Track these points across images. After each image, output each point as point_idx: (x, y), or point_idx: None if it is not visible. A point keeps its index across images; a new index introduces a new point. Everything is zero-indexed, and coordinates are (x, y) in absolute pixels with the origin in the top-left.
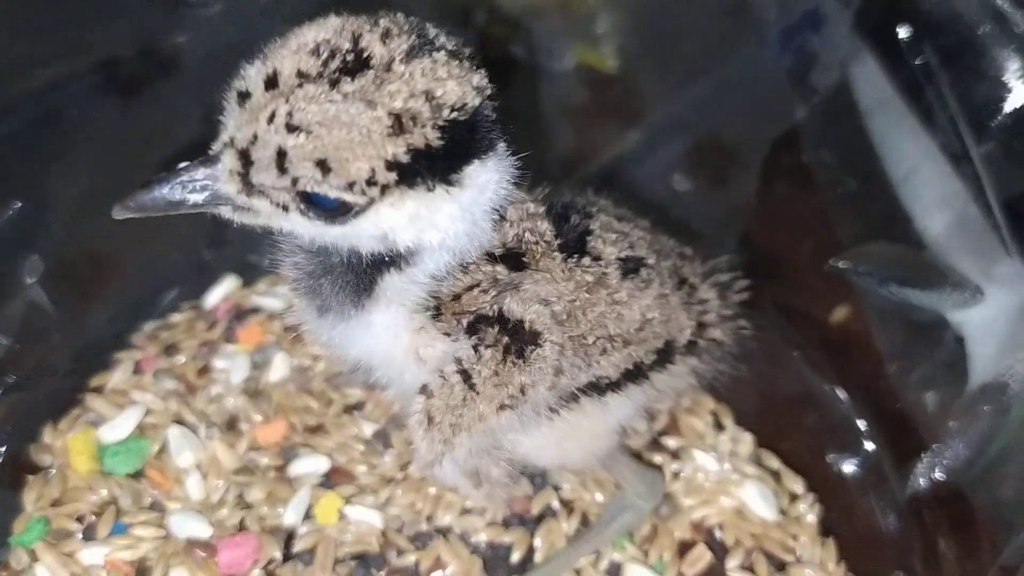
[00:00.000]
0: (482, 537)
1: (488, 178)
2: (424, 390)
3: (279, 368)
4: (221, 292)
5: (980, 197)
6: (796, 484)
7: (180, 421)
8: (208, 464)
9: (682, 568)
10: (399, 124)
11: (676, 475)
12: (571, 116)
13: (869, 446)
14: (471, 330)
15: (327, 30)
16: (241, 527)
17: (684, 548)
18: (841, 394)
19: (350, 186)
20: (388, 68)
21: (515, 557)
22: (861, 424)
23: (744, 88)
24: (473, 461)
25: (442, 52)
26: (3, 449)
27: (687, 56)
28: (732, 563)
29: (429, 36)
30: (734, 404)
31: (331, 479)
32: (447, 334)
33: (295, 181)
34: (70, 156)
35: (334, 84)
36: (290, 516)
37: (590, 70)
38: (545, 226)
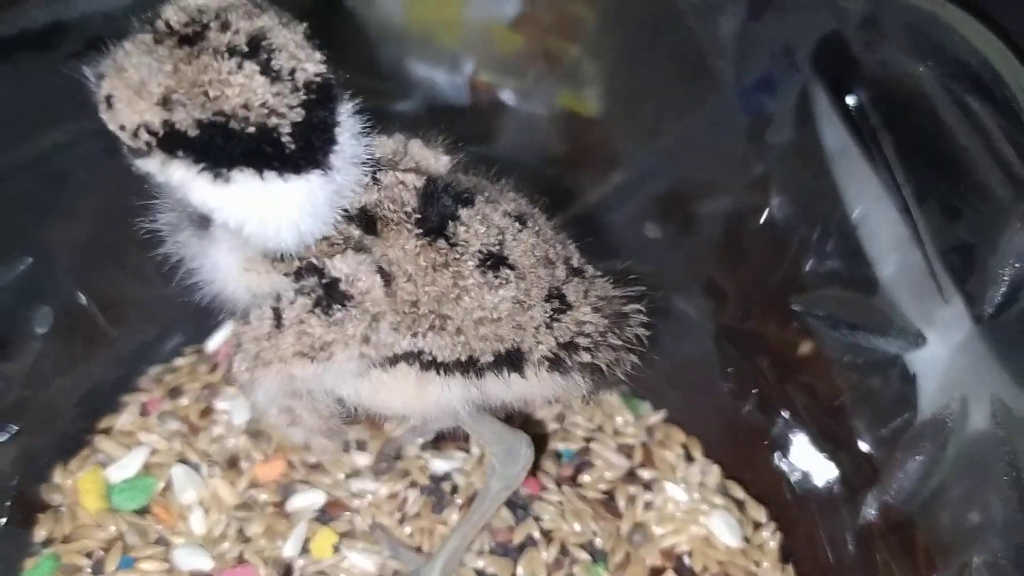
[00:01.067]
0: (470, 565)
1: (284, 189)
2: (244, 315)
3: None
4: (222, 337)
5: (921, 246)
6: (759, 513)
7: (184, 460)
8: (210, 500)
9: None
10: (165, 100)
11: (648, 505)
12: (552, 162)
13: (827, 477)
14: (298, 275)
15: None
16: (241, 560)
17: (655, 574)
18: (802, 428)
19: (121, 128)
20: (202, 53)
21: None
22: (820, 457)
23: (709, 141)
24: (284, 401)
25: (258, 69)
26: (15, 488)
27: (659, 108)
28: None
29: (273, 48)
30: (703, 437)
31: (327, 513)
32: (285, 274)
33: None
34: (76, 213)
35: (159, 42)
36: (288, 549)
37: (572, 115)
38: (410, 200)
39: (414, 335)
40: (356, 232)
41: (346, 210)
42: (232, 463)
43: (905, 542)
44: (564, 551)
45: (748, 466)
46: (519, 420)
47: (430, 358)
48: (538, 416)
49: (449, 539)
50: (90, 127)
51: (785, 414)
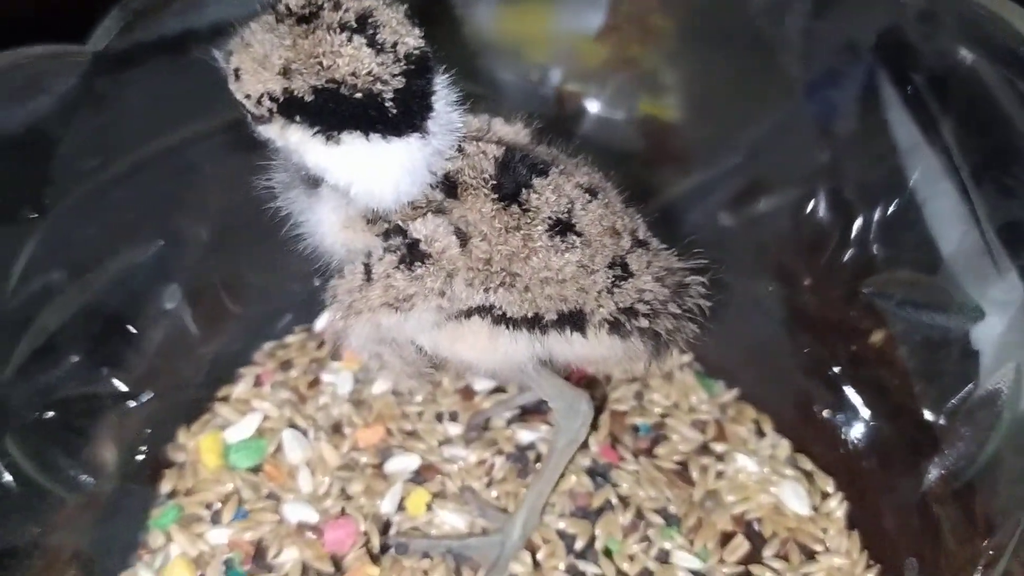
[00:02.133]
0: (552, 527)
1: (387, 150)
2: (341, 271)
3: (381, 383)
4: (328, 317)
5: (978, 225)
6: (827, 484)
7: (293, 425)
8: (316, 462)
9: (723, 555)
10: (285, 70)
11: (720, 475)
12: (633, 163)
13: (891, 449)
14: (386, 236)
15: None
16: (343, 514)
17: (725, 538)
18: (868, 403)
19: (247, 96)
20: (317, 29)
21: (579, 544)
22: (885, 430)
23: (779, 135)
24: (373, 347)
25: (365, 42)
26: (145, 448)
27: (733, 108)
28: (768, 552)
29: (378, 24)
30: (773, 413)
31: (421, 475)
32: (376, 235)
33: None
34: (203, 202)
35: (280, 21)
36: (386, 506)
37: (652, 120)
38: (489, 168)
39: (486, 290)
40: (439, 196)
41: (434, 174)
42: (336, 429)
43: (965, 508)
44: (640, 515)
45: (817, 440)
46: (599, 398)
47: (500, 313)
48: (617, 394)
49: (527, 496)
50: (216, 125)
51: (852, 391)
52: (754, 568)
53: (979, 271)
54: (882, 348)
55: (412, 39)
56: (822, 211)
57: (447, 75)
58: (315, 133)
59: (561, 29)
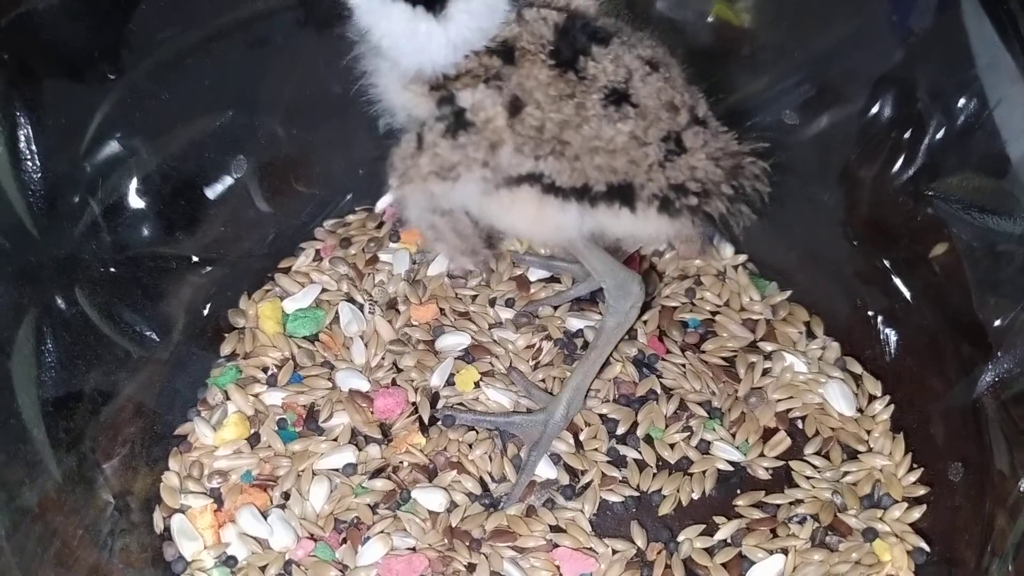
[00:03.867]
0: (595, 411)
1: (399, 11)
2: (399, 140)
3: (437, 266)
4: (389, 199)
5: None
6: (875, 387)
7: (350, 300)
8: (370, 335)
9: (764, 450)
10: None
11: (767, 372)
12: (704, 63)
13: (945, 357)
14: (440, 103)
15: None
16: (393, 384)
17: (768, 434)
18: (929, 314)
19: None
20: None
21: (620, 430)
22: (941, 337)
23: (852, 33)
24: (428, 217)
25: None
26: (208, 311)
27: (807, 8)
28: (809, 449)
29: None
30: (826, 316)
31: (471, 354)
32: (437, 103)
33: None
34: (273, 76)
35: None
36: (435, 380)
37: (725, 25)
38: (547, 34)
39: (536, 158)
40: (497, 63)
41: (488, 46)
42: (391, 305)
43: (1008, 417)
44: (683, 406)
45: (867, 344)
46: (650, 293)
47: (549, 182)
48: (669, 291)
49: (573, 375)
50: (289, 0)
51: (908, 296)
52: (794, 464)
53: None
54: (942, 257)
55: None
56: (890, 115)
57: None
58: None
59: None
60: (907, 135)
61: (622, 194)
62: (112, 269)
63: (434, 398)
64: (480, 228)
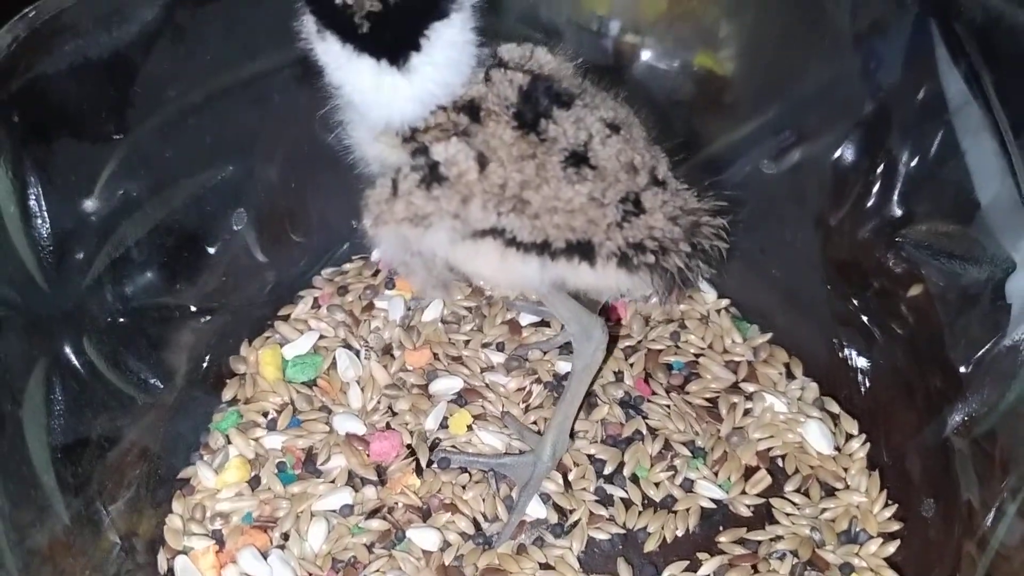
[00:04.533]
0: (583, 452)
1: (366, 67)
2: (373, 183)
3: (432, 312)
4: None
5: (1014, 176)
6: (852, 426)
7: (347, 345)
8: (366, 379)
9: (746, 488)
10: None
11: (748, 412)
12: (684, 110)
13: (918, 396)
14: (414, 154)
15: None
16: (388, 428)
17: (749, 472)
18: (903, 355)
19: None
20: None
21: (608, 469)
22: (913, 377)
23: (827, 85)
24: (400, 255)
25: None
26: (210, 358)
27: (785, 60)
28: (789, 487)
29: None
30: (805, 358)
31: (463, 397)
32: (408, 153)
33: None
34: (271, 131)
35: None
36: (429, 424)
37: (709, 74)
38: (512, 96)
39: (499, 214)
40: (465, 120)
41: (456, 102)
42: (386, 350)
43: (984, 454)
44: (667, 446)
45: (844, 384)
46: (638, 336)
47: (511, 236)
48: (654, 334)
49: (553, 418)
50: (287, 59)
51: (882, 338)
52: (774, 501)
53: (1013, 224)
54: (918, 299)
55: None
56: (862, 161)
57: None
58: (314, 21)
59: None
60: (877, 183)
61: (581, 250)
62: (118, 319)
63: (433, 444)
64: (449, 268)
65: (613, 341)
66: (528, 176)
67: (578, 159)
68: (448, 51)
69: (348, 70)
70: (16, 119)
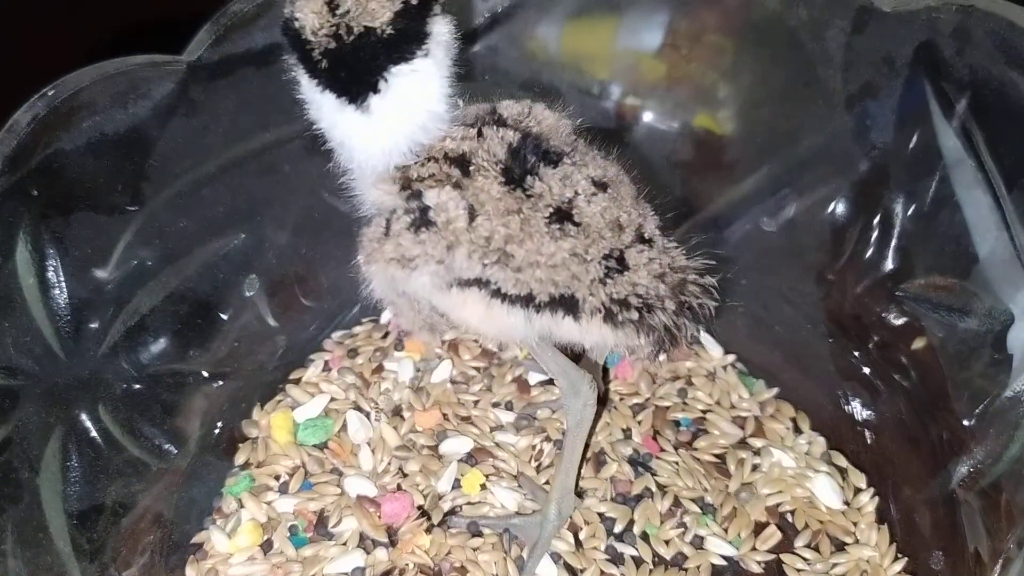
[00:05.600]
0: (594, 510)
1: (330, 104)
2: (368, 221)
3: (441, 373)
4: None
5: (1008, 230)
6: (859, 480)
7: (357, 408)
8: (377, 441)
9: (756, 544)
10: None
11: (756, 468)
12: (684, 171)
13: (923, 448)
14: (408, 199)
15: None
16: (399, 490)
17: (759, 528)
18: (908, 408)
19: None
20: None
21: (618, 528)
22: (918, 429)
23: (823, 145)
24: (390, 294)
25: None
26: (222, 423)
27: (782, 120)
28: (800, 542)
29: None
30: (811, 412)
31: (474, 457)
32: (403, 199)
33: None
34: (281, 199)
35: None
36: (442, 486)
37: (709, 134)
38: (501, 152)
39: (484, 265)
40: (456, 172)
41: (447, 153)
42: (396, 412)
43: (986, 506)
44: (677, 503)
45: (851, 438)
46: (645, 393)
47: (496, 288)
48: (662, 391)
49: (555, 477)
50: (296, 130)
51: (887, 391)
52: (785, 557)
53: (1010, 277)
54: (922, 352)
55: (379, 19)
56: (859, 217)
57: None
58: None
59: (623, 47)
60: (875, 238)
61: (565, 304)
62: (133, 386)
63: (452, 510)
64: (441, 313)
65: (621, 400)
66: (513, 230)
67: (562, 216)
68: (411, 96)
69: (316, 105)
70: (35, 193)
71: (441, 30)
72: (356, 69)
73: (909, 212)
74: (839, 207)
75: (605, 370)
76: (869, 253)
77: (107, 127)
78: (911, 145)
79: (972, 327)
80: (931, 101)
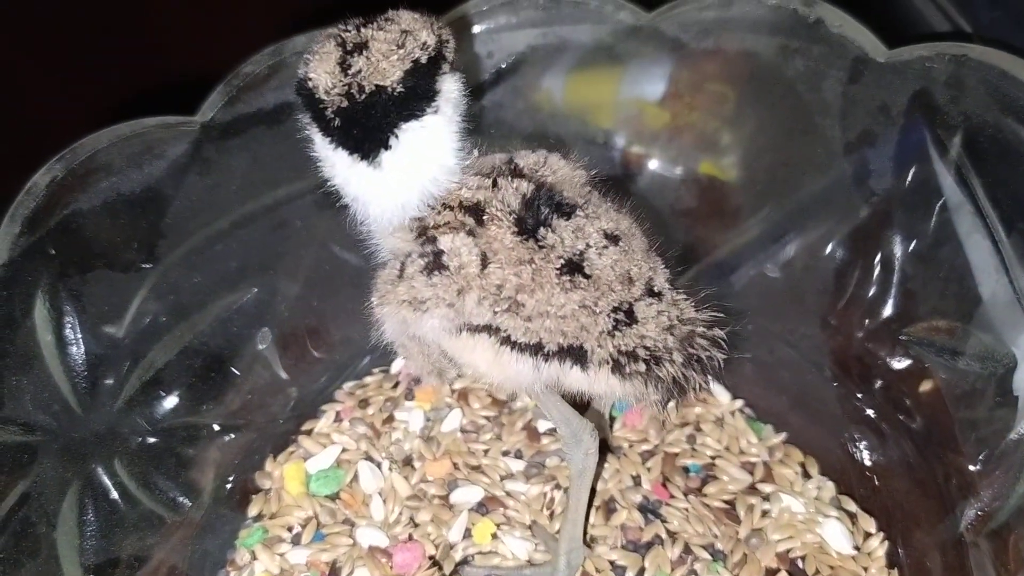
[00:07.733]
0: (604, 558)
1: (342, 160)
2: (384, 264)
3: (451, 422)
4: (403, 361)
5: (1007, 274)
6: (869, 524)
7: (369, 458)
8: (388, 491)
9: None
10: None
11: (766, 513)
12: (691, 219)
13: (932, 491)
14: (424, 244)
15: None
16: (411, 539)
17: (770, 574)
18: (915, 451)
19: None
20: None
21: None
22: (925, 473)
23: (822, 193)
24: (400, 337)
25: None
26: (235, 475)
27: (783, 168)
28: None
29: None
30: (819, 457)
31: (485, 506)
32: (420, 244)
33: None
34: (292, 253)
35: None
36: (453, 535)
37: (714, 181)
38: (514, 203)
39: (494, 312)
40: (471, 220)
41: (462, 202)
42: (407, 462)
43: (1000, 547)
44: (687, 550)
45: (860, 483)
46: (655, 440)
47: (506, 335)
48: (671, 438)
49: (562, 528)
50: (307, 186)
51: (894, 435)
52: None
53: (1012, 320)
54: (928, 395)
55: (390, 78)
56: (862, 262)
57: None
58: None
59: (626, 97)
60: (877, 283)
61: (574, 354)
62: (148, 440)
63: (463, 560)
64: (450, 358)
65: (630, 446)
66: (524, 280)
67: (573, 267)
68: (421, 151)
69: (329, 161)
70: (53, 252)
71: (451, 87)
72: (367, 126)
73: (911, 257)
74: (841, 252)
75: (611, 419)
76: (871, 296)
77: (123, 187)
78: (910, 189)
79: (975, 370)
80: (930, 147)
